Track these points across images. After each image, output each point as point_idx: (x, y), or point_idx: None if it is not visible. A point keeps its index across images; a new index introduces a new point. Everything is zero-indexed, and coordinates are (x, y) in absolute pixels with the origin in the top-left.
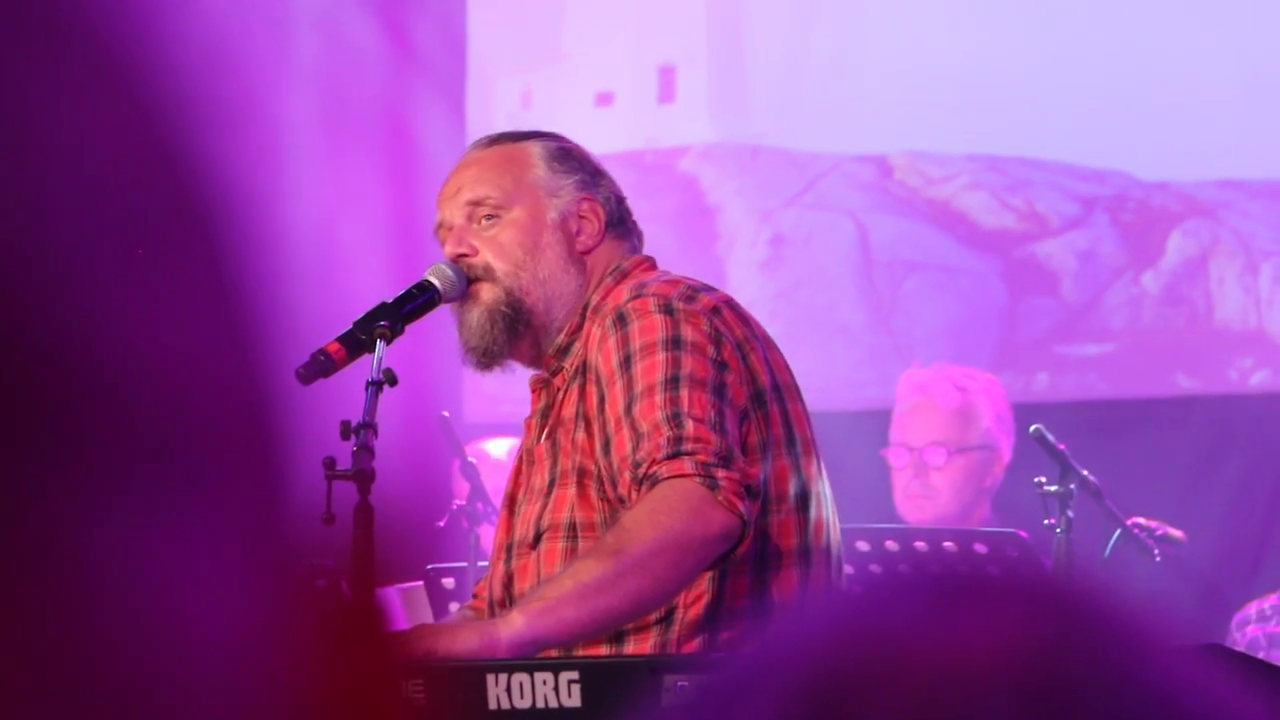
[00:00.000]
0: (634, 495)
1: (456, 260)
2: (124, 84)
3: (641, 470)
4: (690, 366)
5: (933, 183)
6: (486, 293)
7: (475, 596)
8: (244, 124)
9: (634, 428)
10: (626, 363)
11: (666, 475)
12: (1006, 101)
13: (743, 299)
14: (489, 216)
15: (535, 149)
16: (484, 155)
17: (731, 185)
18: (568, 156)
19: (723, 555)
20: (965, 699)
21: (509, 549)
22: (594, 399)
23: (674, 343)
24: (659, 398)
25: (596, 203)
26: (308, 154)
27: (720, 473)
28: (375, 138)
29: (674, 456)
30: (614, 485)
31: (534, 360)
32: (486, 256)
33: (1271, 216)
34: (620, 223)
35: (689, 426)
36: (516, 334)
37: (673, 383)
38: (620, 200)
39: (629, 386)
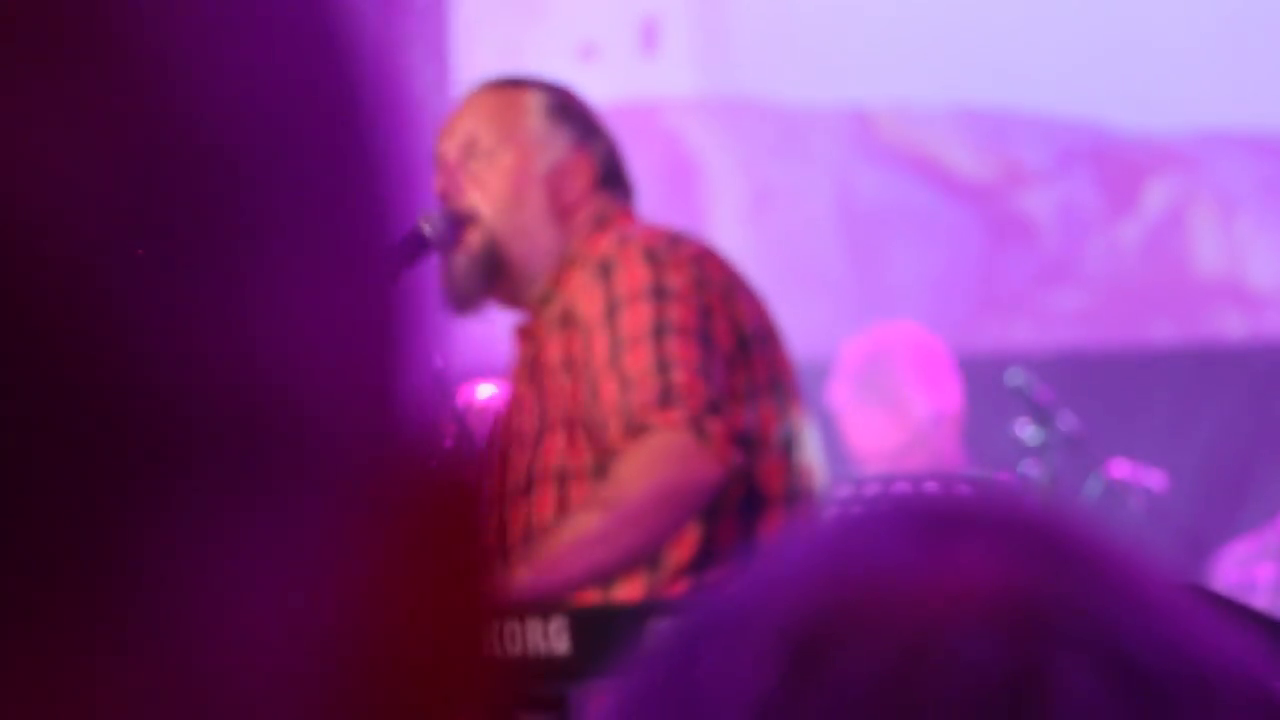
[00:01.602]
0: (625, 445)
1: (443, 198)
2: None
3: (632, 420)
4: (676, 315)
5: (914, 135)
6: (470, 238)
7: None
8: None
9: (622, 377)
10: (611, 311)
11: (657, 425)
12: (986, 52)
13: (725, 250)
14: (479, 159)
15: (534, 99)
16: (485, 97)
17: (714, 138)
18: (564, 110)
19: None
20: (948, 639)
21: (500, 494)
22: (578, 346)
23: (659, 291)
24: (646, 347)
25: (588, 157)
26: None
27: (710, 422)
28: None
29: (664, 407)
30: (602, 432)
31: (513, 303)
32: (473, 198)
33: (1250, 167)
34: (610, 179)
35: (678, 375)
36: (493, 281)
37: (659, 332)
38: (614, 157)
39: (615, 335)
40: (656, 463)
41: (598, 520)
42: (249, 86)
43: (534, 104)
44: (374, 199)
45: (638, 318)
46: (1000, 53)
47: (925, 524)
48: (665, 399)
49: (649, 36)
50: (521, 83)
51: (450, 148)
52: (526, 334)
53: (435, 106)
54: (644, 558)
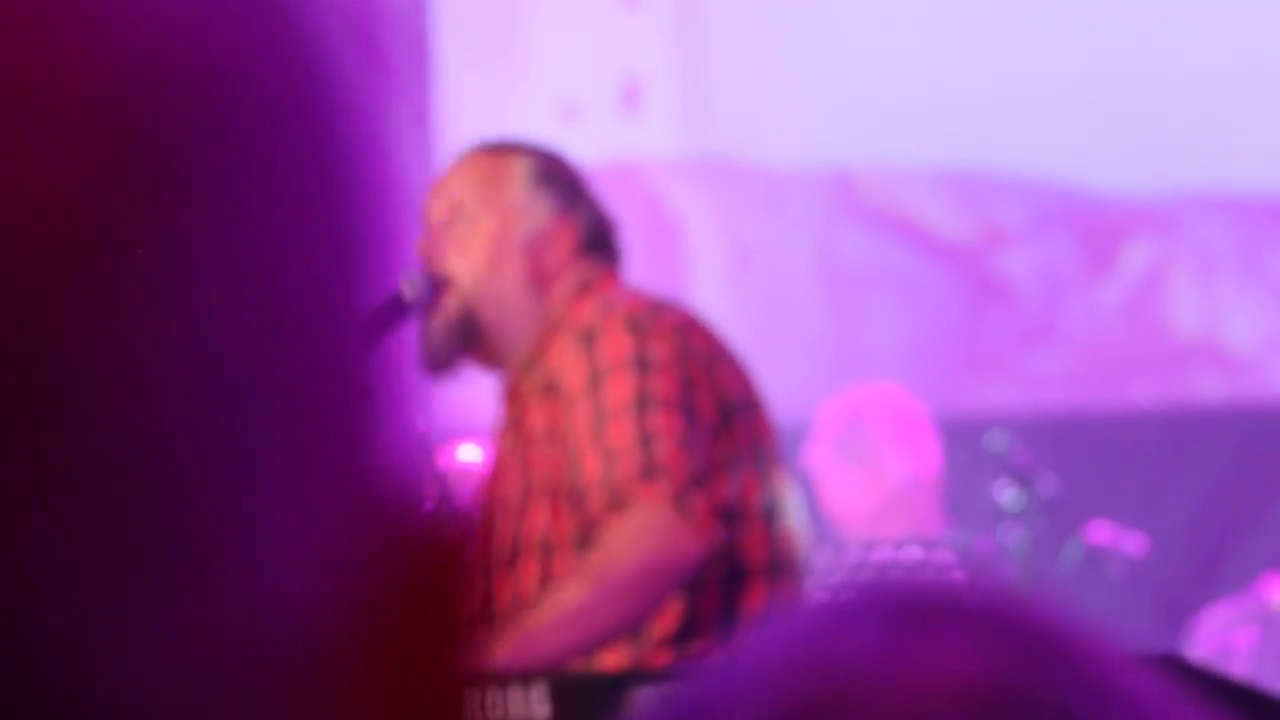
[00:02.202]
0: (608, 519)
1: (424, 260)
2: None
3: (615, 494)
4: (659, 386)
5: (894, 196)
6: (446, 302)
7: None
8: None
9: (605, 450)
10: (594, 382)
11: (640, 500)
12: (967, 114)
13: (705, 311)
14: (462, 224)
15: (521, 165)
16: (472, 161)
17: (696, 199)
18: (551, 176)
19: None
20: None
21: (484, 563)
22: (561, 416)
23: (642, 362)
24: (629, 419)
25: (570, 226)
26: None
27: (693, 497)
28: None
29: (647, 481)
30: (585, 504)
31: (489, 367)
32: (453, 262)
33: (1229, 229)
34: (595, 246)
35: (660, 449)
36: (468, 346)
37: (642, 404)
38: (600, 223)
39: (598, 406)
40: (640, 538)
41: (581, 594)
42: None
43: (519, 170)
44: (347, 260)
45: (620, 389)
46: (980, 114)
47: (898, 615)
48: (648, 473)
49: (631, 97)
50: (510, 148)
51: (436, 210)
52: (510, 397)
53: (418, 169)
54: (627, 632)
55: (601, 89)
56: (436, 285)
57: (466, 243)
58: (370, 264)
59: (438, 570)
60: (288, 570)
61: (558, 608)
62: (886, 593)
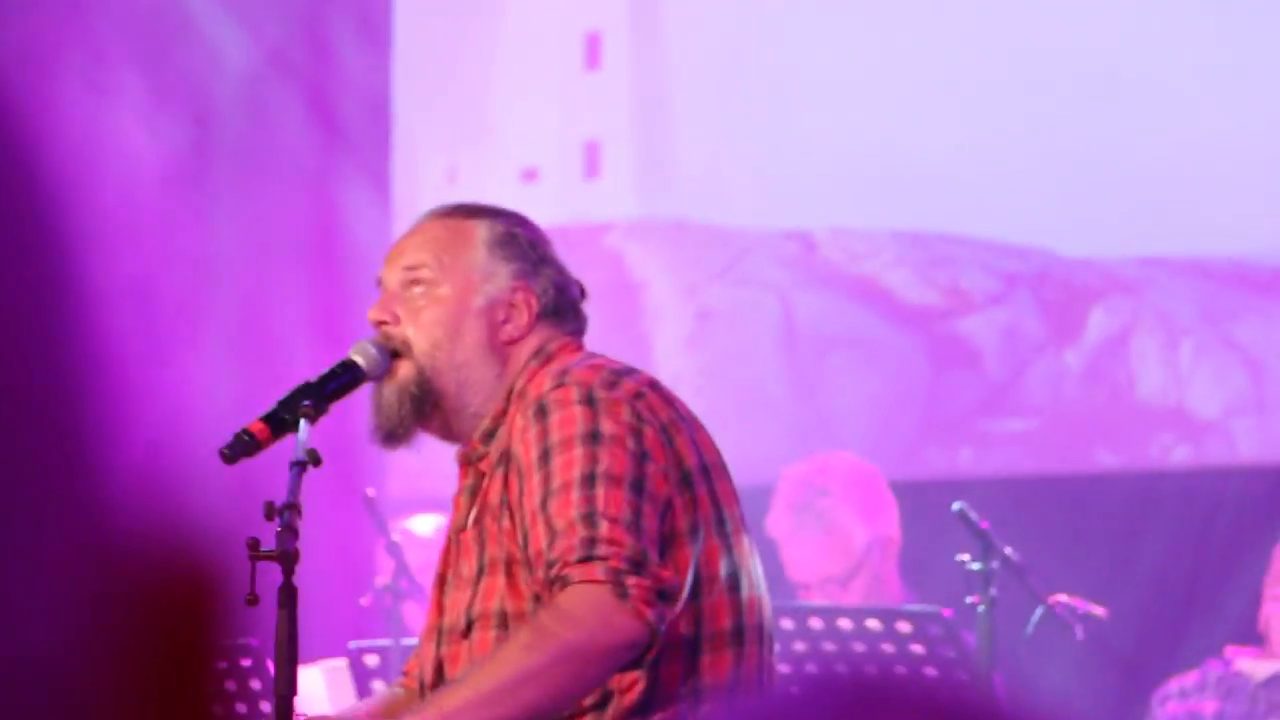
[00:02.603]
0: (546, 595)
1: (378, 325)
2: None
3: (554, 571)
4: (607, 463)
5: (856, 259)
6: (402, 370)
7: (405, 674)
8: (164, 203)
9: (549, 524)
10: (545, 456)
11: (577, 579)
12: (929, 177)
13: (667, 375)
14: (420, 289)
15: (481, 230)
16: (431, 226)
17: (656, 261)
18: (512, 241)
19: (632, 662)
20: None
21: (439, 632)
22: (515, 489)
23: (592, 437)
24: (575, 495)
25: (531, 293)
26: (230, 232)
27: (631, 580)
28: (299, 215)
29: (586, 560)
30: (532, 572)
31: (446, 437)
32: (407, 330)
33: (1192, 293)
34: (556, 312)
35: (603, 528)
36: (424, 415)
37: (589, 480)
38: (562, 289)
39: (546, 481)
40: (569, 619)
41: (501, 675)
42: None
43: (479, 234)
44: None
45: (569, 464)
46: (943, 177)
47: (846, 708)
48: (588, 553)
49: (591, 161)
50: (470, 211)
51: (392, 275)
52: (469, 464)
53: (377, 234)
54: (550, 715)
55: (561, 153)
56: (389, 354)
57: (423, 308)
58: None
59: (178, 603)
60: (22, 606)
61: (475, 685)
62: (835, 685)
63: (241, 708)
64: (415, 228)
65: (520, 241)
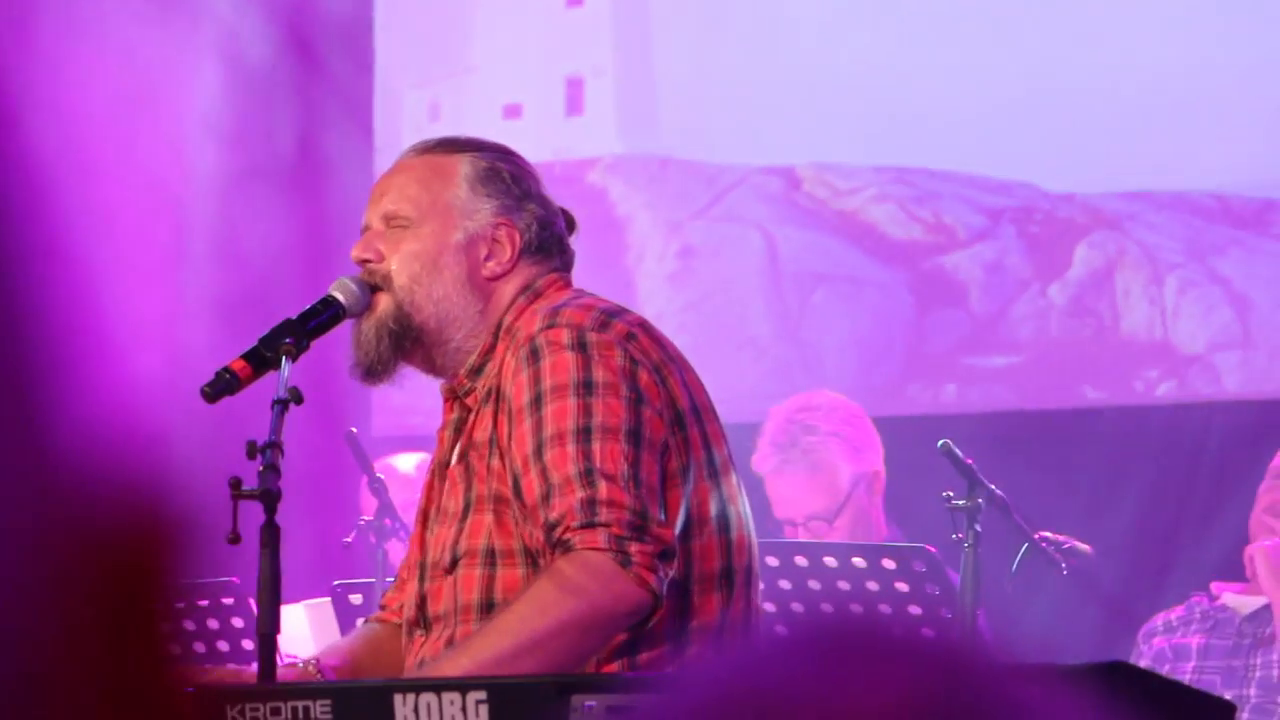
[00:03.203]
0: (546, 558)
1: (361, 263)
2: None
3: (555, 534)
4: (602, 414)
5: (840, 194)
6: (381, 304)
7: (382, 608)
8: (148, 148)
9: (544, 476)
10: (537, 402)
11: (579, 546)
12: (913, 113)
13: (651, 311)
14: (401, 226)
15: (464, 166)
16: (413, 163)
17: (640, 197)
18: (495, 177)
19: (634, 627)
20: None
21: (422, 568)
22: (505, 430)
23: (586, 386)
24: (570, 449)
25: (513, 228)
26: (215, 172)
27: (633, 546)
28: (283, 153)
29: (587, 526)
30: (525, 524)
31: (430, 370)
32: (389, 265)
33: (1177, 228)
34: (541, 247)
35: (602, 488)
36: (403, 349)
37: (584, 433)
38: (548, 224)
39: (539, 427)
40: (571, 588)
41: (500, 643)
42: None
43: (461, 169)
44: None
45: (562, 413)
46: (928, 113)
47: (833, 645)
48: (588, 516)
49: (574, 97)
50: (453, 145)
51: (374, 213)
52: (454, 397)
53: (359, 171)
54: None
55: (544, 89)
56: (369, 290)
57: (405, 243)
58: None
59: (130, 549)
60: None
61: (473, 654)
62: (819, 628)
63: (224, 646)
64: (398, 164)
65: (503, 176)
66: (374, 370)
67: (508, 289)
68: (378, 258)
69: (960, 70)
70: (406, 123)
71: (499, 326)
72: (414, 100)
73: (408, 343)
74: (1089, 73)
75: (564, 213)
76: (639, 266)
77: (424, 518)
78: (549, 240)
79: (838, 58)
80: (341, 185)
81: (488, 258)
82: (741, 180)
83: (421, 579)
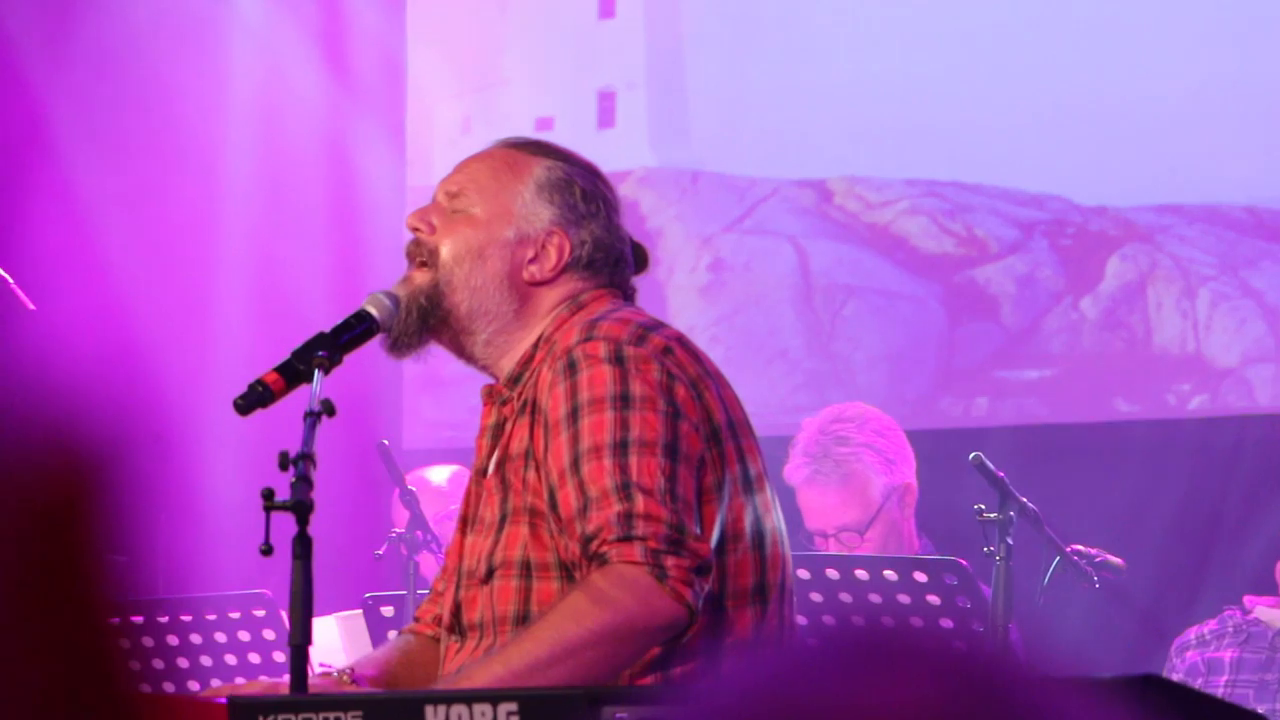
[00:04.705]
0: (582, 571)
1: (413, 231)
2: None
3: (591, 547)
4: (639, 428)
5: (872, 207)
6: (418, 277)
7: (416, 619)
8: (184, 158)
9: (581, 489)
10: (574, 415)
11: (616, 559)
12: (945, 126)
13: (682, 324)
14: (460, 206)
15: (538, 169)
16: (498, 153)
17: (671, 210)
18: (565, 188)
19: (667, 641)
20: None
21: (459, 575)
22: (541, 444)
23: (623, 399)
24: (607, 462)
25: (566, 239)
26: (249, 185)
27: (670, 560)
28: (315, 166)
29: (624, 539)
30: (561, 537)
31: (457, 353)
32: (440, 240)
33: (1208, 241)
34: (590, 264)
35: (639, 501)
36: (429, 327)
37: (621, 447)
38: (603, 245)
39: (575, 440)
40: (607, 601)
41: (534, 652)
42: None
43: (534, 173)
44: None
45: (599, 426)
46: (960, 127)
47: (858, 652)
48: (625, 529)
49: (606, 110)
50: (538, 149)
51: (445, 185)
52: (493, 401)
53: (390, 184)
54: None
55: (575, 102)
56: (419, 262)
57: (459, 225)
58: None
59: (53, 507)
60: None
61: (507, 661)
62: (850, 639)
63: (255, 658)
64: (484, 151)
65: (574, 190)
66: (399, 343)
67: (549, 297)
68: (429, 230)
69: (992, 83)
70: (438, 136)
71: (540, 337)
72: (446, 113)
73: (434, 320)
74: (1121, 86)
75: (635, 245)
76: (670, 279)
77: (464, 524)
78: (602, 261)
79: (870, 71)
80: (374, 198)
81: (531, 261)
82: (773, 193)
83: (458, 586)
